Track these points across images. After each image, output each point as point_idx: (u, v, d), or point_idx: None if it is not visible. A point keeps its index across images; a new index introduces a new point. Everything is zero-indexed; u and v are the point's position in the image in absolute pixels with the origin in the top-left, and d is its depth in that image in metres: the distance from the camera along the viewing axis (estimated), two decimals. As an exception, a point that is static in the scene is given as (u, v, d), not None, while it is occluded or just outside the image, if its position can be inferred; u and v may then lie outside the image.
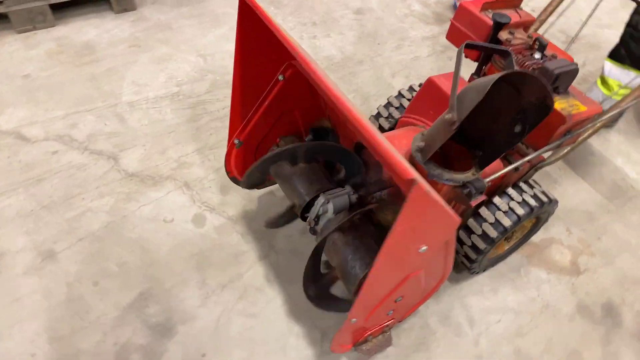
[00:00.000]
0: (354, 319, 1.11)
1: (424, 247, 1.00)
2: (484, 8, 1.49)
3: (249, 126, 1.43)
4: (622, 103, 1.47)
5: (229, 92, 2.08)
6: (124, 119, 1.89)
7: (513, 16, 1.48)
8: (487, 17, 1.46)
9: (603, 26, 2.82)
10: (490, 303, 1.50)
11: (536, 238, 1.68)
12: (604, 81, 2.08)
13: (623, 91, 2.04)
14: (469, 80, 1.63)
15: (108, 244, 1.51)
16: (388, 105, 1.66)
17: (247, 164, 1.51)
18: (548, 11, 1.63)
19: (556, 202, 1.45)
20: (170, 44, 2.26)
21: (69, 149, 1.77)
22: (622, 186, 1.92)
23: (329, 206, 1.26)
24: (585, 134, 1.44)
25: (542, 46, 1.40)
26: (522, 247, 1.64)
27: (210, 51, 2.25)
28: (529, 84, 1.08)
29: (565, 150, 1.46)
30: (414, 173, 0.81)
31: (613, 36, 2.46)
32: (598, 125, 1.42)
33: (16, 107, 1.89)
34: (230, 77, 2.14)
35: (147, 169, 1.73)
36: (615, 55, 2.05)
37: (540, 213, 1.43)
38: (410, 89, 1.66)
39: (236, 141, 1.46)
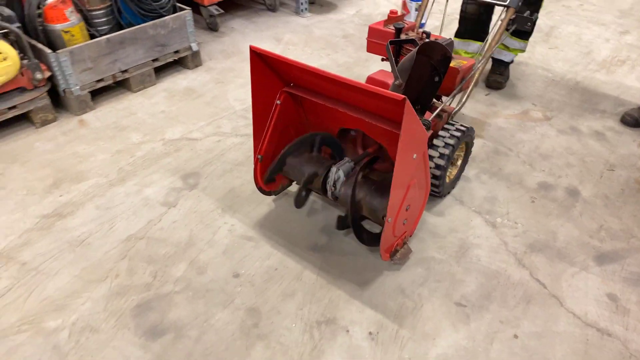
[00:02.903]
0: (389, 218, 1.60)
1: (415, 155, 1.56)
2: (386, 24, 2.35)
3: (264, 143, 1.92)
4: (487, 54, 2.29)
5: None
6: (247, 117, 2.80)
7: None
8: (390, 29, 2.27)
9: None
10: (515, 140, 2.60)
11: (517, 111, 2.85)
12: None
13: (467, 55, 2.90)
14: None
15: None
16: None
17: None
18: (420, 15, 2.56)
19: (472, 129, 2.12)
20: (241, 77, 3.24)
21: (226, 137, 2.63)
22: (549, 76, 3.20)
23: (340, 173, 1.78)
24: (473, 81, 2.28)
25: (428, 35, 2.19)
26: (515, 115, 2.79)
27: (270, 75, 3.26)
28: (434, 49, 1.79)
29: (466, 96, 2.25)
30: (402, 95, 1.31)
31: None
32: (477, 73, 2.27)
33: (172, 127, 2.72)
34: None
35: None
36: (458, 34, 2.95)
37: (465, 138, 2.09)
38: None
39: (259, 156, 1.93)
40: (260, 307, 1.74)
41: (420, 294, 1.80)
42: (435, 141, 2.00)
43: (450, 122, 2.10)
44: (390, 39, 2.17)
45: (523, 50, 2.97)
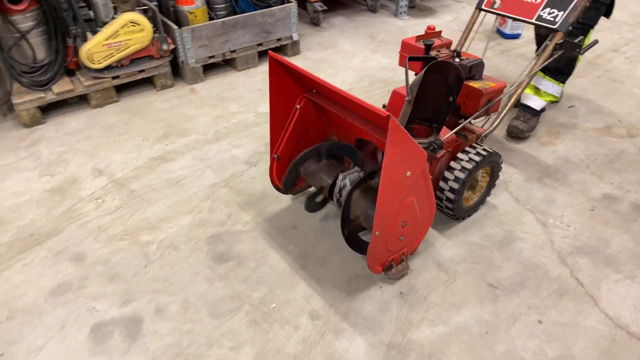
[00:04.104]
0: (377, 232, 1.58)
1: (409, 172, 1.54)
2: (418, 40, 2.25)
3: (282, 144, 1.98)
4: (528, 74, 2.19)
5: (384, 84, 3.31)
6: (330, 101, 3.09)
7: (437, 41, 2.23)
8: (421, 45, 2.19)
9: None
10: (589, 152, 2.59)
11: (599, 125, 2.81)
12: None
13: None
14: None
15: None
16: None
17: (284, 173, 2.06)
18: (465, 34, 2.50)
19: (497, 154, 2.02)
20: (333, 67, 3.54)
21: (308, 116, 2.94)
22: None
23: (346, 181, 1.84)
24: (509, 104, 2.17)
25: (458, 54, 2.13)
26: (596, 129, 2.76)
27: (358, 68, 3.53)
28: (449, 69, 1.75)
29: (499, 119, 2.17)
30: (387, 112, 1.30)
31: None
32: (514, 96, 2.17)
33: (265, 103, 3.09)
34: (376, 79, 3.38)
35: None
36: (537, 52, 2.67)
37: (488, 163, 2.01)
38: None
39: (275, 156, 2.01)
40: (309, 255, 2.00)
41: (456, 270, 1.93)
42: (452, 163, 1.96)
43: (474, 144, 2.03)
44: (420, 52, 2.19)
45: (556, 98, 2.71)
